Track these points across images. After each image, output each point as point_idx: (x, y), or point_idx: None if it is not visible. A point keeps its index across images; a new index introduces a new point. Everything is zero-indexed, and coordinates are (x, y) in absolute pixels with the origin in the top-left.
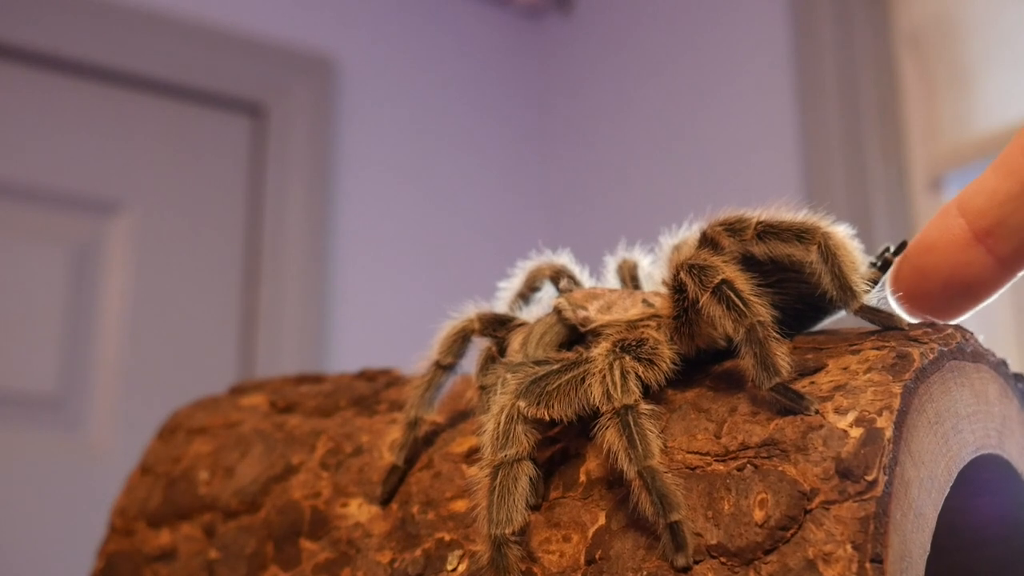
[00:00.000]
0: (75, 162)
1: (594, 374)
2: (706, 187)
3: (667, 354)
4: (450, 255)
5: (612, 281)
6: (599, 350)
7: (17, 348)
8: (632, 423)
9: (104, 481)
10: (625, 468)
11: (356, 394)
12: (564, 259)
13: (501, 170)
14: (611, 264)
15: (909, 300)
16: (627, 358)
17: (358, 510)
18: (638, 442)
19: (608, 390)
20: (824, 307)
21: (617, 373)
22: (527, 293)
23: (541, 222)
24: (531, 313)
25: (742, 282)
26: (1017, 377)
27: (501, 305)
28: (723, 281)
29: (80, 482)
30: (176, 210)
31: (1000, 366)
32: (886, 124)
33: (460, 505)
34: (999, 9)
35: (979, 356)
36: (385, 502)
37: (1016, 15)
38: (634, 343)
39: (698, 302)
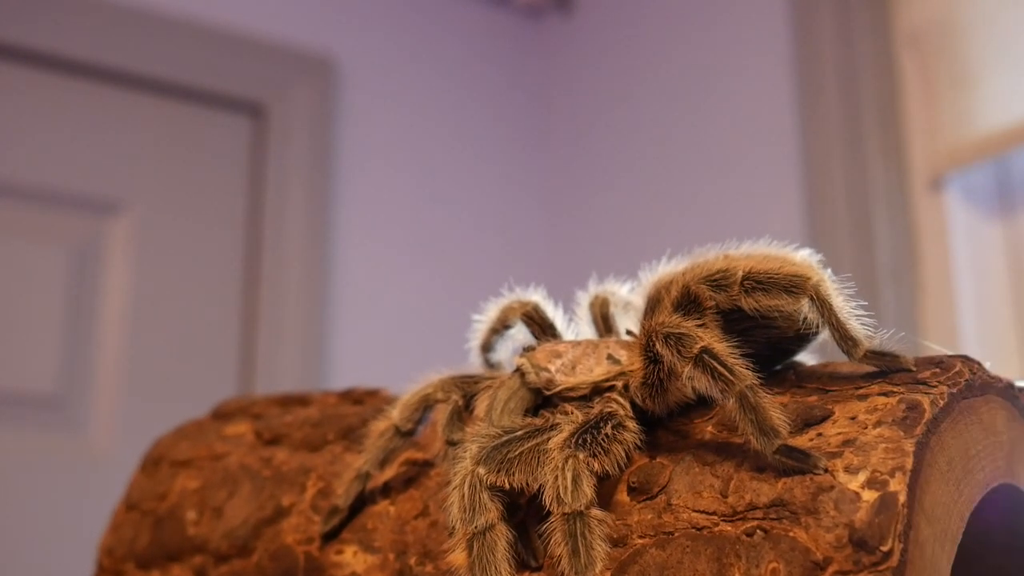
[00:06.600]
0: (75, 162)
1: (548, 468)
2: (706, 186)
3: (630, 435)
4: (451, 255)
5: (584, 319)
6: (555, 441)
7: (17, 348)
8: (578, 532)
9: (104, 481)
10: (566, 574)
11: (344, 424)
12: (536, 296)
13: (502, 169)
14: (583, 300)
15: None
16: (581, 456)
17: (353, 558)
18: (582, 552)
19: (559, 493)
20: (790, 349)
21: (569, 476)
22: (500, 329)
23: (542, 221)
24: (501, 354)
25: (721, 347)
26: (1022, 392)
27: (475, 338)
28: (703, 350)
29: (80, 482)
30: (176, 210)
31: (1007, 390)
32: (886, 124)
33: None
34: (999, 10)
35: (987, 387)
36: (327, 538)
37: (1016, 16)
38: (593, 428)
39: (674, 371)
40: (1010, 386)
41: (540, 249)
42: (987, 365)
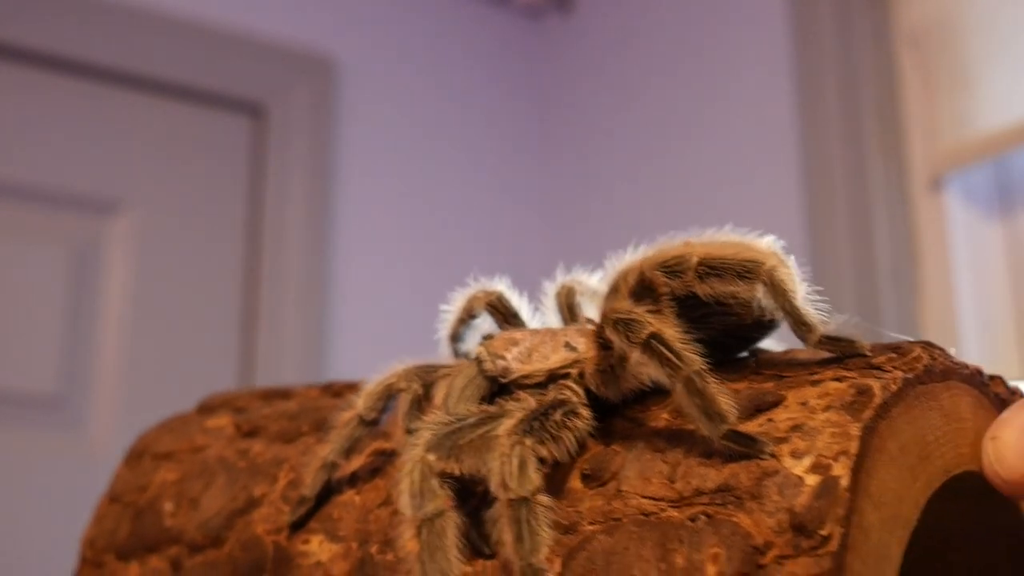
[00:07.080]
0: (75, 162)
1: (495, 454)
2: (706, 187)
3: (582, 422)
4: (450, 255)
5: (551, 308)
6: (504, 427)
7: (17, 348)
8: (523, 518)
9: (104, 481)
10: (511, 559)
11: (319, 416)
12: (501, 286)
13: (500, 170)
14: (550, 290)
15: None
16: (528, 442)
17: (319, 548)
18: (526, 538)
19: (504, 479)
20: (750, 337)
21: (515, 462)
22: (466, 319)
23: (540, 222)
24: (469, 344)
25: (671, 332)
26: (993, 380)
27: (444, 328)
28: (651, 335)
29: (80, 482)
30: (176, 210)
31: (974, 376)
32: (886, 124)
33: None
34: (999, 9)
35: (949, 373)
36: (295, 528)
37: (1016, 15)
38: (543, 415)
39: (626, 357)
40: (978, 373)
41: (539, 248)
42: (951, 351)
